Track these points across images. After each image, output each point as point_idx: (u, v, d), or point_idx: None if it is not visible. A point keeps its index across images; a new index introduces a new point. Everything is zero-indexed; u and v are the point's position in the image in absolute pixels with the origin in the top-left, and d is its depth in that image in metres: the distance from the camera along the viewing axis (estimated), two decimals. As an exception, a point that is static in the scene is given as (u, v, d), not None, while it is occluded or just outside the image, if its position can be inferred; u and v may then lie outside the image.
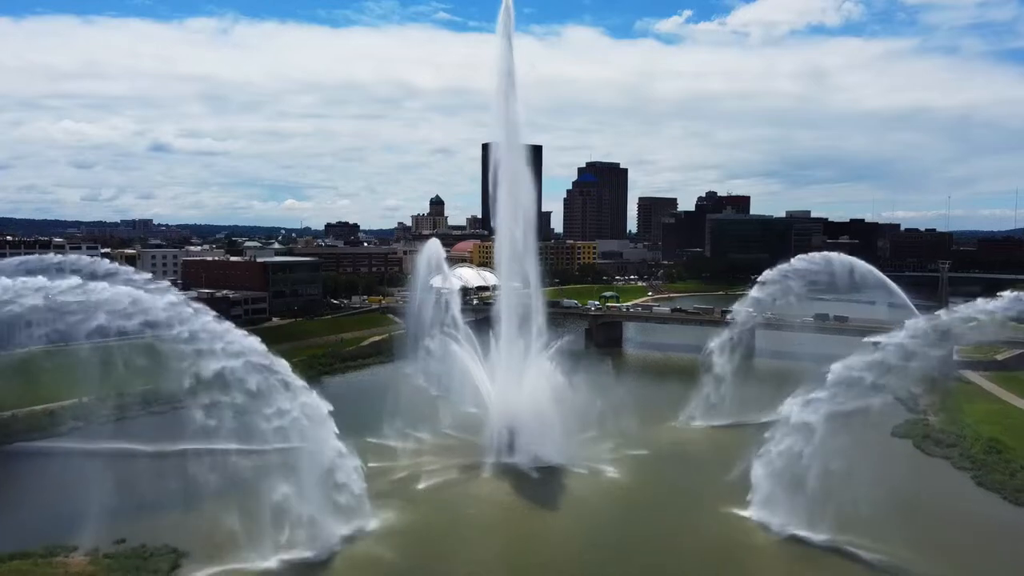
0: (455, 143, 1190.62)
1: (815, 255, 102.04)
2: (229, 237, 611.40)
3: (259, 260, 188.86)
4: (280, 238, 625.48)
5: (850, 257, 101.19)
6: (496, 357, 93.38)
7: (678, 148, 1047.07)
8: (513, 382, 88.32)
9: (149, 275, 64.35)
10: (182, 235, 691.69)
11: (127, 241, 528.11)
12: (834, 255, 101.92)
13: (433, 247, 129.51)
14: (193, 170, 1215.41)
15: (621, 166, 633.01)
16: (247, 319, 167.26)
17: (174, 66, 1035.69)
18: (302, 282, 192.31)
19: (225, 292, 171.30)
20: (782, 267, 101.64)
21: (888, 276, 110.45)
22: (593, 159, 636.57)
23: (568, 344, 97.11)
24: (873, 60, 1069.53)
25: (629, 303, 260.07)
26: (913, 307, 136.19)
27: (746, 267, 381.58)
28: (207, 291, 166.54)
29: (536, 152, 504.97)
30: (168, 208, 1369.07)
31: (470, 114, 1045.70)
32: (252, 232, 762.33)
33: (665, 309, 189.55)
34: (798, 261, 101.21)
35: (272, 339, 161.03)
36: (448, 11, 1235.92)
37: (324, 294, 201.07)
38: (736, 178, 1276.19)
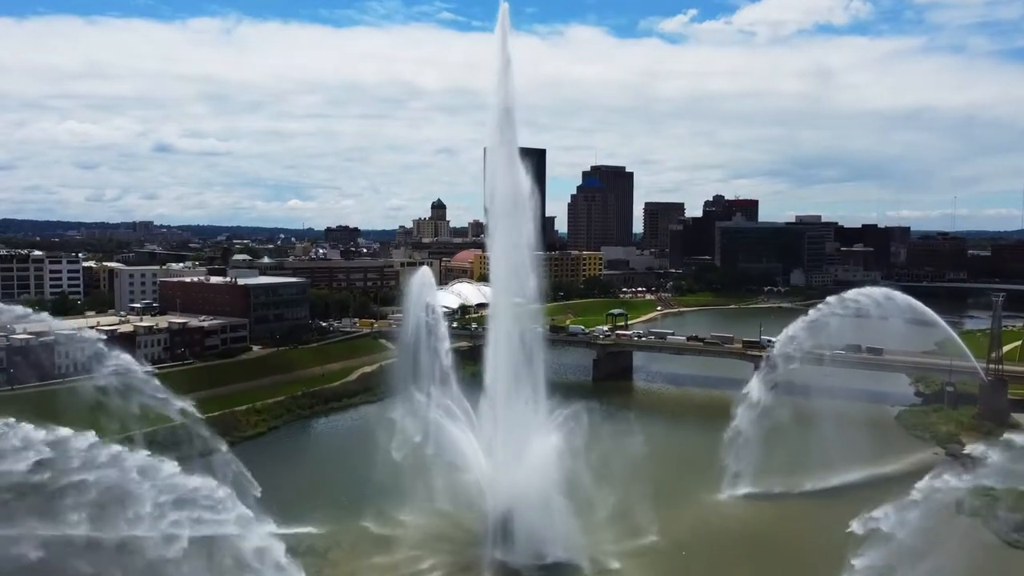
0: (459, 143, 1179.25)
1: (873, 291, 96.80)
2: (230, 239, 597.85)
3: (241, 283, 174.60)
4: (280, 241, 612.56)
5: (911, 299, 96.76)
6: (491, 418, 79.38)
7: (682, 148, 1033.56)
8: (512, 458, 74.38)
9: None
10: (182, 237, 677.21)
11: (124, 244, 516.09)
12: (898, 295, 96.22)
13: (424, 277, 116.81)
14: (196, 170, 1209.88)
15: (627, 169, 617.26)
16: (224, 350, 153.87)
17: (177, 66, 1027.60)
18: (288, 304, 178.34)
19: (202, 319, 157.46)
20: (841, 298, 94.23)
21: (906, 288, 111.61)
22: (597, 160, 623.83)
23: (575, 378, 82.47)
24: (879, 59, 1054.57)
25: (638, 320, 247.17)
26: (962, 346, 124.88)
27: (758, 276, 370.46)
28: (179, 321, 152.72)
29: (539, 156, 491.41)
30: (172, 208, 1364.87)
31: (473, 114, 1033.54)
32: (254, 233, 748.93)
33: (681, 338, 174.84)
34: (849, 298, 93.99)
35: (250, 373, 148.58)
36: (452, 11, 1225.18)
37: (312, 316, 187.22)
38: (741, 178, 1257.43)
